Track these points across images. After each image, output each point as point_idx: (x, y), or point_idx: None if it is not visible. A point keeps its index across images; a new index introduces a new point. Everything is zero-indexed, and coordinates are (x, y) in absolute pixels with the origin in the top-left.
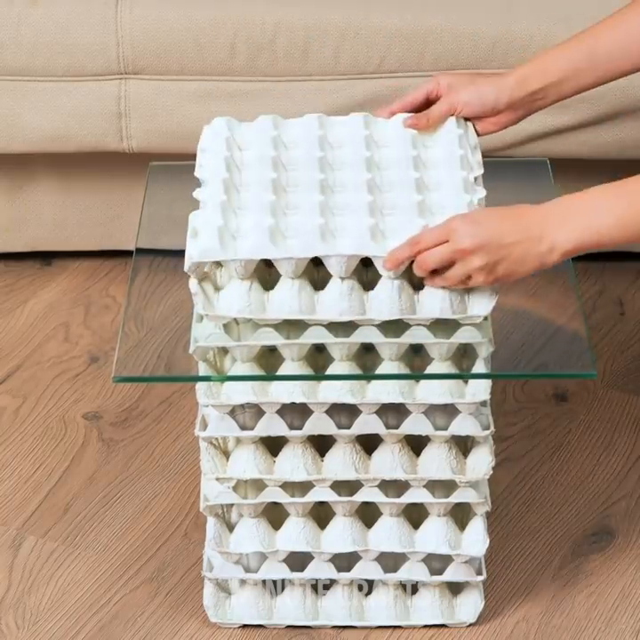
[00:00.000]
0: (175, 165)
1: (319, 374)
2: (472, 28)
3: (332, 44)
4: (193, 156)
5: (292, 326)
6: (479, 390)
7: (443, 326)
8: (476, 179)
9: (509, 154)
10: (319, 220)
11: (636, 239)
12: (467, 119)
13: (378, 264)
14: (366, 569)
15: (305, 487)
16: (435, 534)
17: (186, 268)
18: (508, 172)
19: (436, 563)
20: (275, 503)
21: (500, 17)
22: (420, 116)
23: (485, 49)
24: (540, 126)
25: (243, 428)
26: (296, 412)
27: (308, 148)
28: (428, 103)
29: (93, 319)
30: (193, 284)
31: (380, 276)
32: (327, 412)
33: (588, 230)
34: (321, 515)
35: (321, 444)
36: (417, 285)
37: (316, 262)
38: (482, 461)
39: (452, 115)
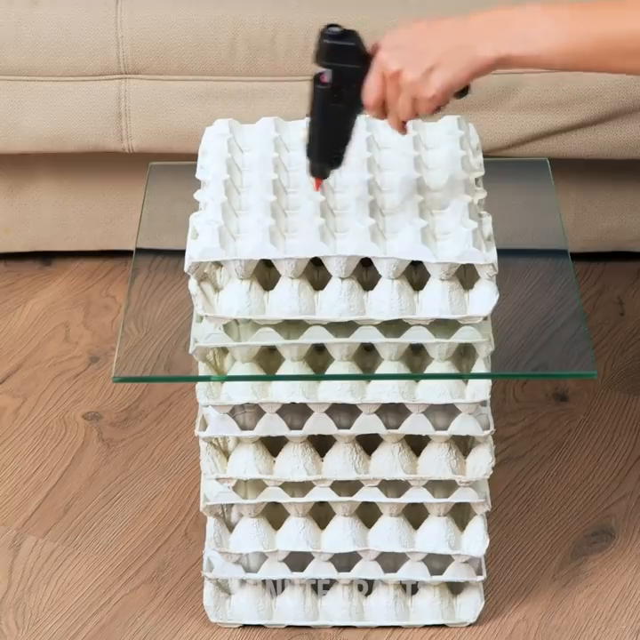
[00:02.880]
0: (175, 165)
1: (319, 374)
2: None
3: None
4: (193, 156)
5: (292, 326)
6: (479, 390)
7: (442, 326)
8: (476, 180)
9: (509, 154)
10: (319, 220)
11: (576, 67)
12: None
13: (378, 264)
14: (366, 569)
15: (305, 487)
16: (435, 534)
17: (186, 269)
18: (508, 172)
19: (436, 563)
20: (275, 503)
21: None
22: None
23: None
24: (540, 126)
25: (243, 428)
26: (296, 412)
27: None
28: None
29: (93, 319)
30: (193, 284)
31: (379, 276)
32: (327, 412)
33: (522, 43)
34: (321, 515)
35: (321, 444)
36: (417, 285)
37: (316, 262)
38: (482, 461)
39: None
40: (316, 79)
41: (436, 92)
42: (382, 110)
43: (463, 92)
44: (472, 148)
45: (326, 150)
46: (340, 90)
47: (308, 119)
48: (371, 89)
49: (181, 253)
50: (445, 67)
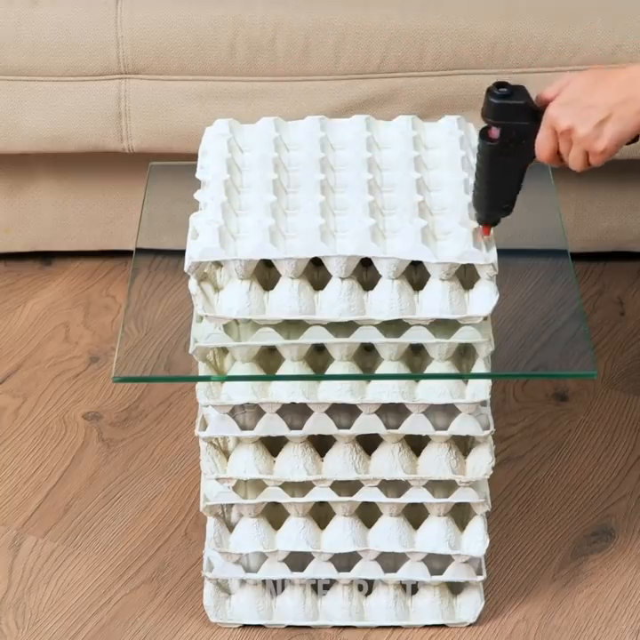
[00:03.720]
0: (175, 165)
1: (319, 374)
2: (472, 27)
3: (331, 44)
4: (193, 156)
5: (292, 326)
6: (479, 390)
7: (442, 326)
8: None
9: None
10: (319, 220)
11: None
12: None
13: (378, 264)
14: (366, 569)
15: (305, 487)
16: (435, 534)
17: (186, 268)
18: None
19: (436, 563)
20: (275, 503)
21: (500, 17)
22: None
23: (486, 49)
24: None
25: (243, 428)
26: (296, 412)
27: (310, 150)
28: None
29: (93, 319)
30: (193, 284)
31: (379, 276)
32: (327, 411)
33: None
34: (321, 515)
35: (321, 444)
36: (417, 285)
37: (316, 262)
38: (482, 461)
39: None
40: (484, 134)
41: (608, 144)
42: (558, 159)
43: (634, 140)
44: (472, 148)
45: (496, 202)
46: (508, 145)
47: (475, 170)
48: (543, 145)
49: (181, 253)
50: (616, 119)
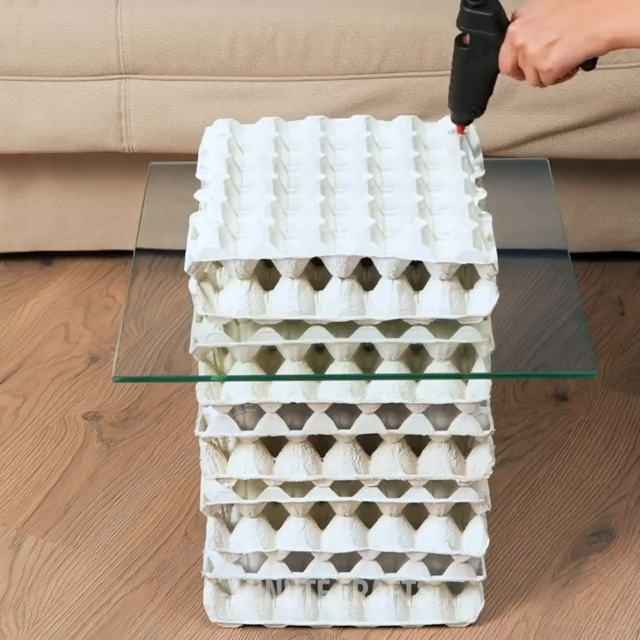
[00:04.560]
0: (175, 165)
1: (319, 374)
2: None
3: (332, 44)
4: (193, 156)
5: (292, 326)
6: (479, 390)
7: (442, 326)
8: (477, 180)
9: (509, 154)
10: (320, 220)
11: None
12: None
13: (378, 264)
14: (366, 569)
15: (305, 487)
16: (435, 534)
17: (186, 268)
18: (508, 172)
19: (436, 563)
20: (275, 503)
21: None
22: None
23: None
24: (540, 126)
25: (243, 428)
26: (296, 412)
27: (310, 150)
28: None
29: (93, 319)
30: (193, 284)
31: (379, 276)
32: (327, 411)
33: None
34: (321, 515)
35: (321, 444)
36: (417, 285)
37: (316, 262)
38: (482, 461)
39: None
40: (458, 40)
41: (553, 65)
42: (518, 73)
43: (590, 65)
44: (472, 148)
45: (465, 103)
46: (478, 52)
47: (450, 74)
48: (504, 57)
49: (181, 253)
50: (565, 43)
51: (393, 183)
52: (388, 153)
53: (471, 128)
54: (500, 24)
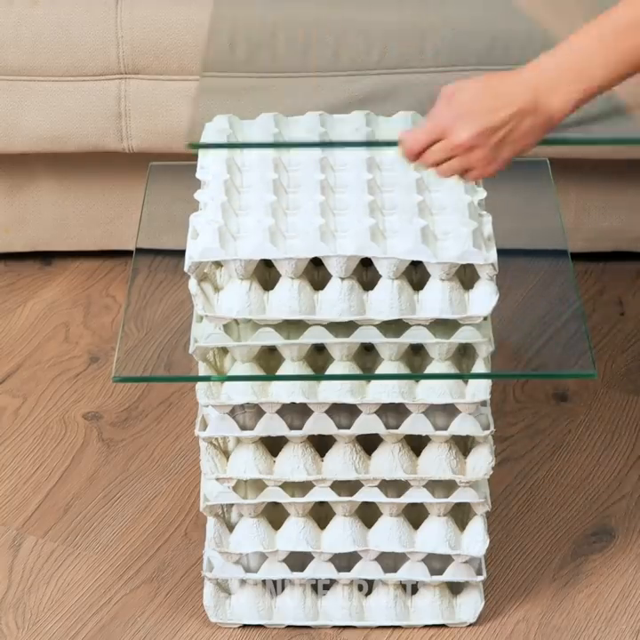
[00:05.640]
0: (175, 165)
1: (319, 374)
2: (472, 23)
3: (332, 40)
4: (193, 156)
5: (292, 326)
6: (479, 390)
7: (442, 326)
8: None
9: None
10: (319, 220)
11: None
12: None
13: (378, 264)
14: (366, 569)
15: (305, 487)
16: (435, 534)
17: (186, 268)
18: (508, 172)
19: (436, 563)
20: (275, 503)
21: (500, 12)
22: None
23: (486, 45)
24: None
25: (243, 428)
26: (296, 412)
27: (310, 149)
28: None
29: (93, 319)
30: (192, 284)
31: (379, 276)
32: (327, 411)
33: (585, 90)
34: (321, 515)
35: (321, 444)
36: (417, 285)
37: (316, 262)
38: (482, 461)
39: None
40: None
41: (502, 166)
42: (424, 159)
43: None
44: None
45: None
46: None
47: None
48: (434, 154)
49: (181, 253)
50: (515, 142)
51: (393, 183)
52: (387, 152)
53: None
54: None
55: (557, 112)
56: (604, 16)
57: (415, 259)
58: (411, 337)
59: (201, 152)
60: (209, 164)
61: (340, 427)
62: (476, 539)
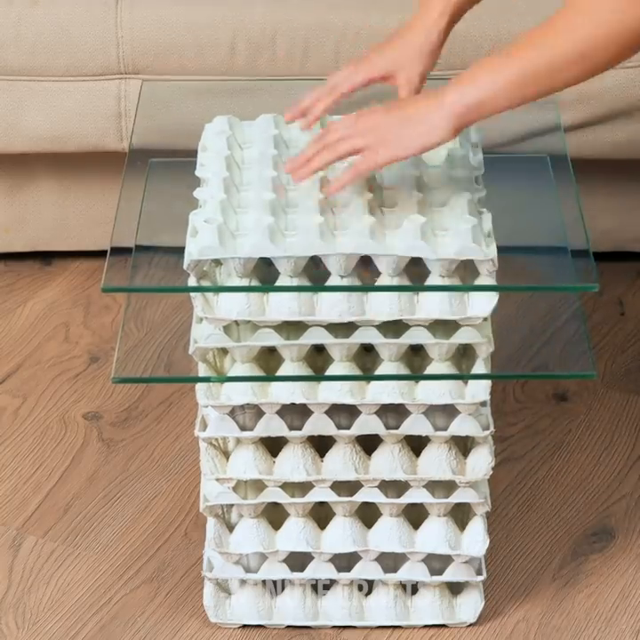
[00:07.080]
0: (175, 162)
1: (319, 375)
2: (472, 27)
3: (331, 44)
4: (192, 153)
5: (292, 327)
6: (479, 390)
7: (442, 327)
8: (477, 178)
9: (509, 152)
10: (319, 218)
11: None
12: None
13: (378, 262)
14: (366, 569)
15: (305, 487)
16: (435, 534)
17: (185, 266)
18: (508, 169)
19: (436, 563)
20: (275, 503)
21: (499, 16)
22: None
23: (486, 48)
24: (540, 126)
25: (243, 428)
26: (296, 413)
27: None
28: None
29: (93, 319)
30: (192, 283)
31: (379, 276)
32: (327, 412)
33: (475, 109)
34: (321, 515)
35: (321, 445)
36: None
37: (316, 261)
38: (482, 461)
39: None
40: None
41: (379, 165)
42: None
43: None
44: (471, 146)
45: None
46: None
47: None
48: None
49: (181, 252)
50: (398, 148)
51: (392, 181)
52: None
53: (471, 126)
54: None
55: (441, 127)
56: (513, 60)
57: (415, 255)
58: (410, 337)
59: (200, 148)
60: (208, 162)
61: (339, 427)
62: (475, 539)
